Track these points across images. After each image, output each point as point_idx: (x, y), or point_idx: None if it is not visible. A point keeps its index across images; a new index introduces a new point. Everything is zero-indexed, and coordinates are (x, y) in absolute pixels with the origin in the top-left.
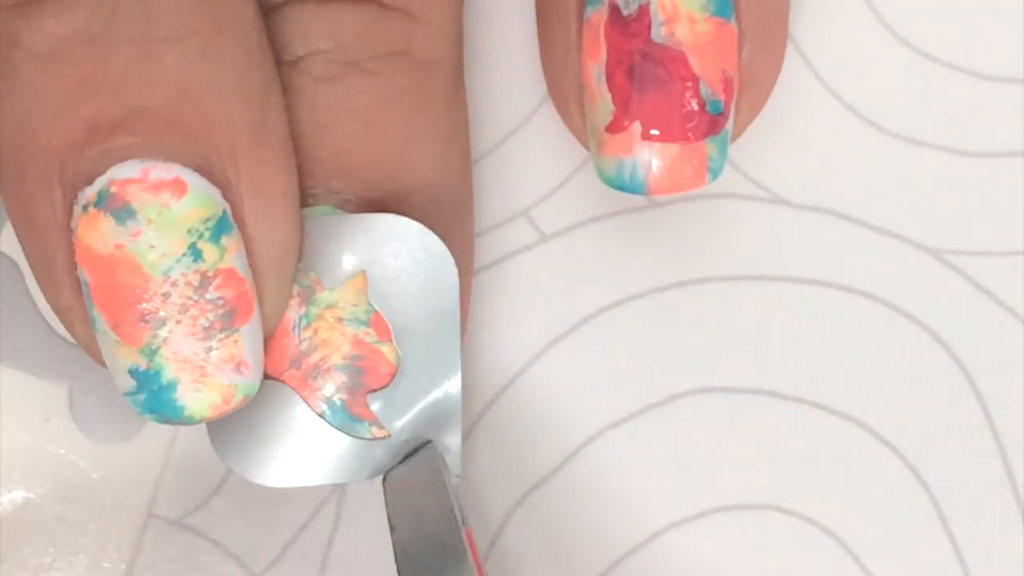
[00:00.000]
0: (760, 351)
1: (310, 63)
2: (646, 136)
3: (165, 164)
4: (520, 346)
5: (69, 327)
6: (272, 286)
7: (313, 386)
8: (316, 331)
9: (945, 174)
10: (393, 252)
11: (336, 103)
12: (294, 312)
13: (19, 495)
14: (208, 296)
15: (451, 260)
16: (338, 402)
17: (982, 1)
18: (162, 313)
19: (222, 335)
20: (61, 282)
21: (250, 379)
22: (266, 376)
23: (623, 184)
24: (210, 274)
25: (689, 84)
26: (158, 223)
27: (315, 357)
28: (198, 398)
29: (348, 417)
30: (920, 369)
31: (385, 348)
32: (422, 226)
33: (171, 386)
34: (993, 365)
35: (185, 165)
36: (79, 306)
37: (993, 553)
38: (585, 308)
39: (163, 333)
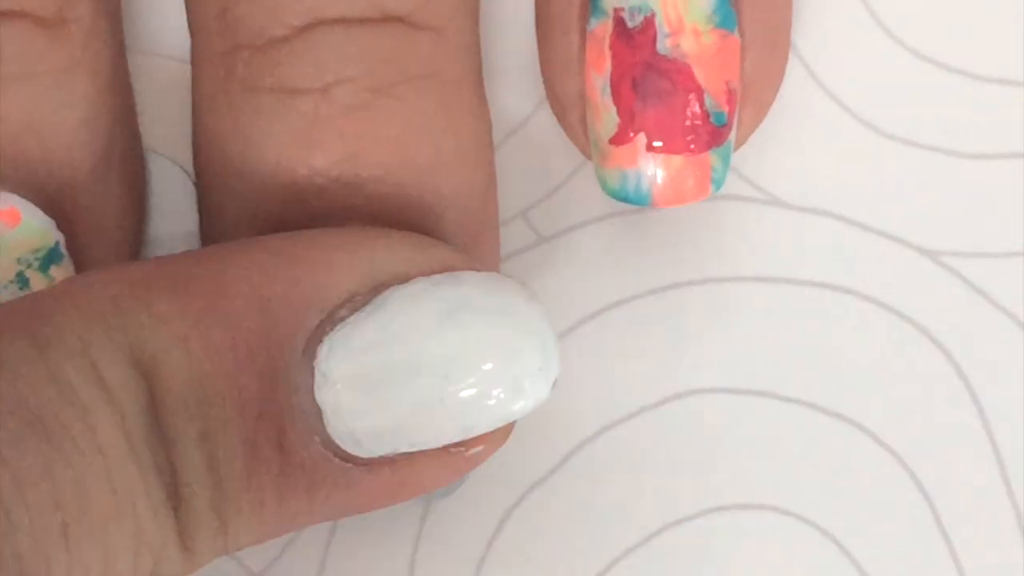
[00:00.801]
0: (757, 352)
1: (338, 91)
2: (651, 148)
3: (1, 194)
4: None
5: None
6: None
7: None
8: None
9: (942, 176)
10: None
11: (366, 132)
12: None
13: None
14: None
15: None
16: None
17: (979, 3)
18: None
19: None
20: None
21: None
22: None
23: (627, 196)
24: None
25: (693, 96)
26: None
27: None
28: None
29: None
30: (916, 371)
31: None
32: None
33: None
34: (989, 367)
35: (22, 196)
36: None
37: (988, 555)
38: (582, 309)
39: None
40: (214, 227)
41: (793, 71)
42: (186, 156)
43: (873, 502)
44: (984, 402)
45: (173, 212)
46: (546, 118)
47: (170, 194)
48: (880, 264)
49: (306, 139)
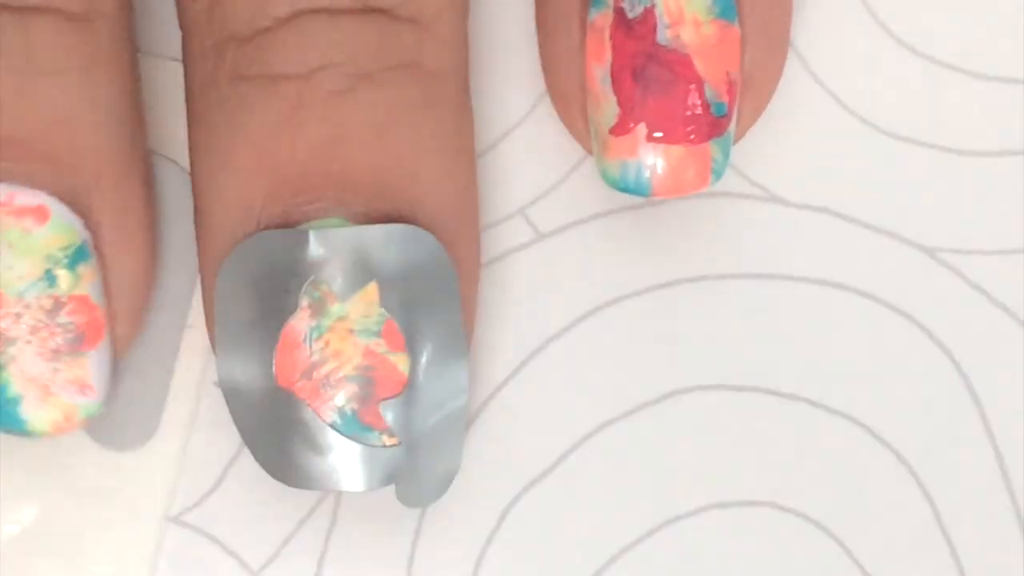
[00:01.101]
0: (756, 349)
1: (322, 77)
2: (651, 138)
3: (31, 191)
4: (517, 344)
5: None
6: (125, 313)
7: (324, 396)
8: (328, 343)
9: (940, 173)
10: (404, 262)
11: (348, 117)
12: (305, 324)
13: (34, 508)
14: (59, 320)
15: (453, 270)
16: (349, 412)
17: (978, 1)
18: (12, 332)
19: (69, 358)
20: None
21: (94, 400)
22: (278, 387)
23: (627, 186)
24: (63, 300)
25: (693, 86)
26: (18, 247)
27: (326, 368)
28: (40, 415)
29: (359, 427)
30: (915, 367)
31: (395, 358)
32: (431, 235)
33: (15, 400)
34: (987, 364)
35: (51, 193)
36: None
37: (988, 551)
38: (581, 306)
39: (12, 351)
40: (206, 219)
41: (791, 68)
42: (184, 155)
43: (872, 498)
44: (982, 398)
45: (175, 213)
46: (545, 115)
47: (171, 195)
48: (879, 261)
49: (289, 122)
